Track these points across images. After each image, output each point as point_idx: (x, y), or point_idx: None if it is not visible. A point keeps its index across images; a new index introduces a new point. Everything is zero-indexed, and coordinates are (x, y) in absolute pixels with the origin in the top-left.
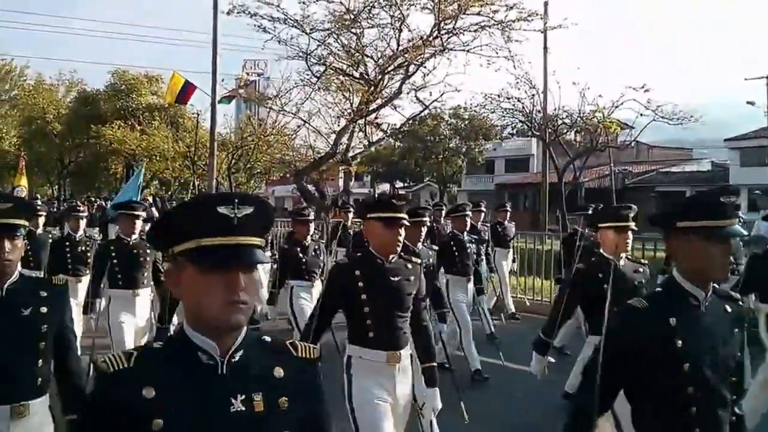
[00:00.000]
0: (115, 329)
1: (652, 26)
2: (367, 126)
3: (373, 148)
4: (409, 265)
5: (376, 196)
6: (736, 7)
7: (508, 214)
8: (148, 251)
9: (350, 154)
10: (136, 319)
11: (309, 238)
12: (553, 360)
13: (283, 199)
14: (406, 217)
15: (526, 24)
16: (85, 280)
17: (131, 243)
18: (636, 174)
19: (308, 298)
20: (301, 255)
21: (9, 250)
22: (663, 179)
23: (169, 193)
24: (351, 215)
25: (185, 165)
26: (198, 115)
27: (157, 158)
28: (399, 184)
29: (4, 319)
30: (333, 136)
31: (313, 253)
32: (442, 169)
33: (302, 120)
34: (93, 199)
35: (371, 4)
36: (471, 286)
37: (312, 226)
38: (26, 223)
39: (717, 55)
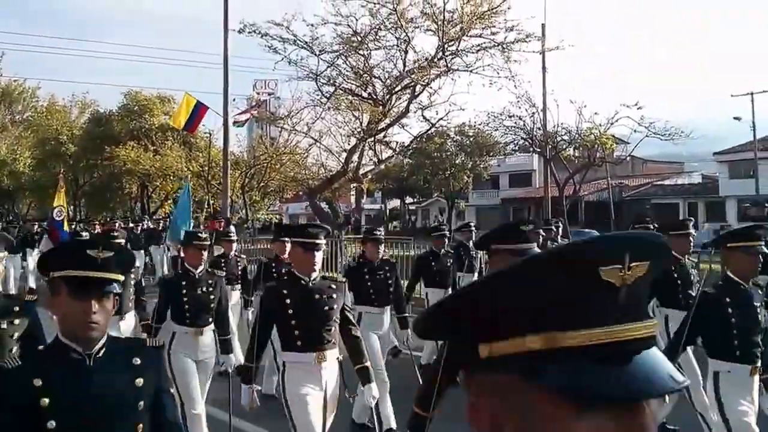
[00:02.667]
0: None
1: (644, 47)
2: (377, 144)
3: (382, 166)
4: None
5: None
6: (723, 30)
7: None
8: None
9: (361, 171)
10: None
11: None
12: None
13: (297, 217)
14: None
15: (525, 45)
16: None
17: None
18: (632, 187)
19: None
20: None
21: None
22: (657, 192)
23: None
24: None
25: (199, 184)
26: (210, 134)
27: (171, 178)
28: (408, 200)
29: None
30: (344, 155)
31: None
32: (450, 185)
33: (313, 139)
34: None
35: (378, 27)
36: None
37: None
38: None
39: (704, 74)
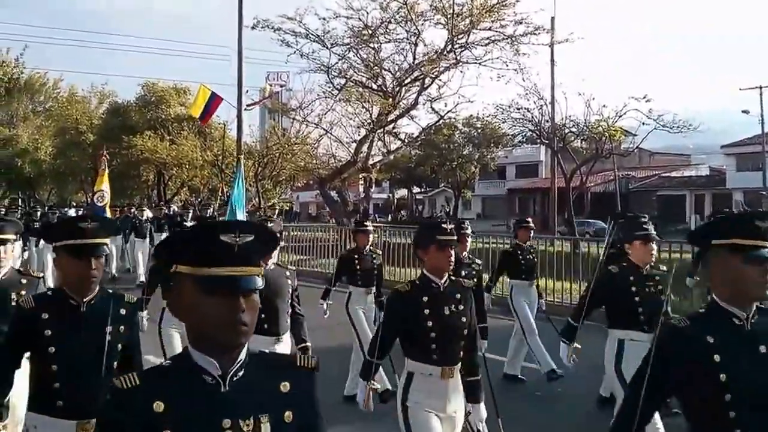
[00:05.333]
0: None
1: (653, 40)
2: (386, 135)
3: (391, 156)
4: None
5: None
6: (733, 23)
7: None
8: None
9: (370, 162)
10: None
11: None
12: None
13: (308, 205)
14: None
15: (534, 38)
16: None
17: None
18: (639, 179)
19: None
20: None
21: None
22: (664, 183)
23: (199, 199)
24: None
25: (213, 173)
26: (224, 125)
27: (187, 166)
28: (416, 190)
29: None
30: (354, 145)
31: None
32: (457, 175)
33: (324, 130)
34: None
35: (388, 20)
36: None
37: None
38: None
39: (714, 67)
